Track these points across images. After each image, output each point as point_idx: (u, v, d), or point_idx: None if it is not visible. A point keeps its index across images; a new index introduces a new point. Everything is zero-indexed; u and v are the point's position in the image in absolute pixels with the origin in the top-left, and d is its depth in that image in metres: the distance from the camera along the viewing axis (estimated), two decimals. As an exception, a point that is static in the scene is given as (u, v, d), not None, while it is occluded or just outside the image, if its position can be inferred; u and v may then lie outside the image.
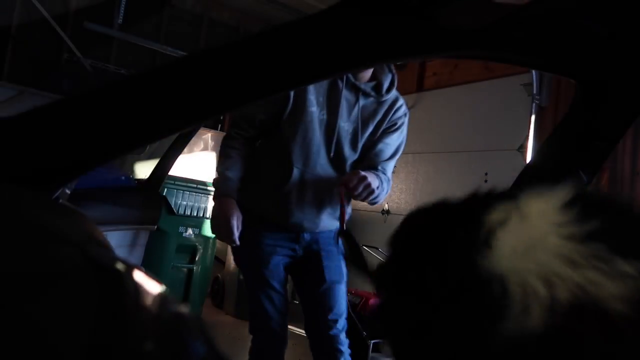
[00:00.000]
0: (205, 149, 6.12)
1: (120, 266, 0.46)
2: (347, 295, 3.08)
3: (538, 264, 0.46)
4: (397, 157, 2.14)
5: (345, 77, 1.95)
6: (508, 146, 4.18)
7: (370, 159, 2.07)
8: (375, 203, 2.00)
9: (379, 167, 2.06)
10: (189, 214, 3.96)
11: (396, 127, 2.10)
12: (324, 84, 1.98)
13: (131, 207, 2.69)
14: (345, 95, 1.99)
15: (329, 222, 2.05)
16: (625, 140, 3.44)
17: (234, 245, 1.98)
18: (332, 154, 2.00)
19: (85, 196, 2.18)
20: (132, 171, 5.28)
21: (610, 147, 1.32)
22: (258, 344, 2.13)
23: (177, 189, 4.17)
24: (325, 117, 1.98)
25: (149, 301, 0.45)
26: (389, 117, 2.08)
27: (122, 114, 0.78)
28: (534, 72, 3.85)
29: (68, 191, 1.31)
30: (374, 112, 2.06)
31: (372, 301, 3.68)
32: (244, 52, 0.81)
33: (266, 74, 0.82)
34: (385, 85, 2.04)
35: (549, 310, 0.44)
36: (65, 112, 0.77)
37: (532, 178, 1.32)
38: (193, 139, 6.04)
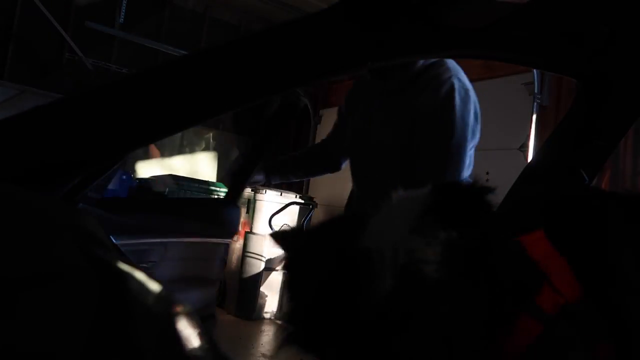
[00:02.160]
0: (206, 148, 6.13)
1: (122, 266, 0.46)
2: None
3: (391, 238, 0.59)
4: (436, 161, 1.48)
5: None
6: (509, 145, 4.17)
7: None
8: None
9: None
10: (190, 213, 3.96)
11: (428, 114, 1.49)
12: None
13: (208, 219, 2.52)
14: (372, 89, 1.60)
15: None
16: (626, 140, 3.44)
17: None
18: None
19: (157, 205, 2.14)
20: (133, 170, 5.29)
21: (611, 146, 1.31)
22: None
23: (179, 189, 4.18)
24: (361, 125, 1.66)
25: (150, 300, 0.45)
26: (413, 103, 1.52)
27: (122, 114, 0.78)
28: (535, 71, 3.85)
29: (92, 195, 1.30)
30: (398, 104, 1.55)
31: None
32: (247, 51, 0.81)
33: (267, 74, 0.82)
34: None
35: (393, 273, 0.57)
36: (66, 111, 0.77)
37: (533, 177, 1.32)
38: (194, 138, 6.06)
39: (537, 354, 0.59)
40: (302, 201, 4.75)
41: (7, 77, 4.92)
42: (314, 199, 4.85)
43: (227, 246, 2.63)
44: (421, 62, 1.51)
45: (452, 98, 1.47)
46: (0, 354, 0.33)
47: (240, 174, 2.25)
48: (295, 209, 4.64)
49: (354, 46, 0.84)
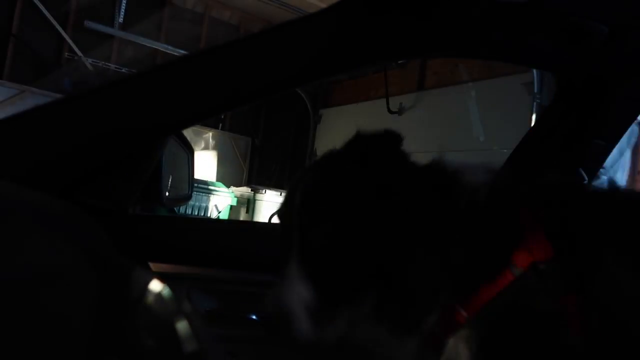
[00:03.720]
0: (206, 148, 6.12)
1: (123, 265, 0.46)
2: None
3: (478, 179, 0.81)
4: None
5: None
6: (509, 145, 4.16)
7: None
8: None
9: None
10: (189, 213, 3.96)
11: None
12: None
13: None
14: None
15: None
16: (626, 140, 3.44)
17: None
18: None
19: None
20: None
21: (611, 146, 1.32)
22: None
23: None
24: None
25: (151, 299, 0.45)
26: None
27: (121, 114, 0.78)
28: (535, 71, 3.85)
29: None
30: None
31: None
32: (252, 50, 0.81)
33: (268, 73, 0.82)
34: None
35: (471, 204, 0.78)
36: (66, 111, 0.77)
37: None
38: (194, 138, 6.05)
39: (503, 299, 0.74)
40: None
41: (7, 77, 4.92)
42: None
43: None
44: None
45: None
46: (3, 355, 0.33)
47: None
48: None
49: (355, 45, 0.84)
